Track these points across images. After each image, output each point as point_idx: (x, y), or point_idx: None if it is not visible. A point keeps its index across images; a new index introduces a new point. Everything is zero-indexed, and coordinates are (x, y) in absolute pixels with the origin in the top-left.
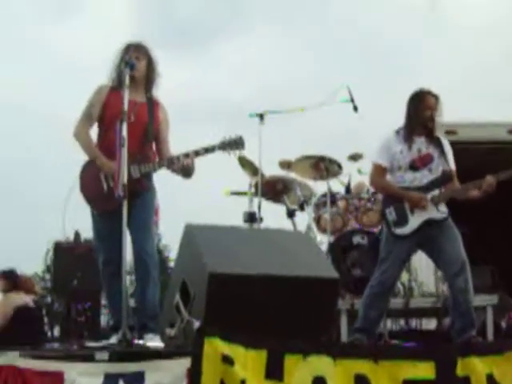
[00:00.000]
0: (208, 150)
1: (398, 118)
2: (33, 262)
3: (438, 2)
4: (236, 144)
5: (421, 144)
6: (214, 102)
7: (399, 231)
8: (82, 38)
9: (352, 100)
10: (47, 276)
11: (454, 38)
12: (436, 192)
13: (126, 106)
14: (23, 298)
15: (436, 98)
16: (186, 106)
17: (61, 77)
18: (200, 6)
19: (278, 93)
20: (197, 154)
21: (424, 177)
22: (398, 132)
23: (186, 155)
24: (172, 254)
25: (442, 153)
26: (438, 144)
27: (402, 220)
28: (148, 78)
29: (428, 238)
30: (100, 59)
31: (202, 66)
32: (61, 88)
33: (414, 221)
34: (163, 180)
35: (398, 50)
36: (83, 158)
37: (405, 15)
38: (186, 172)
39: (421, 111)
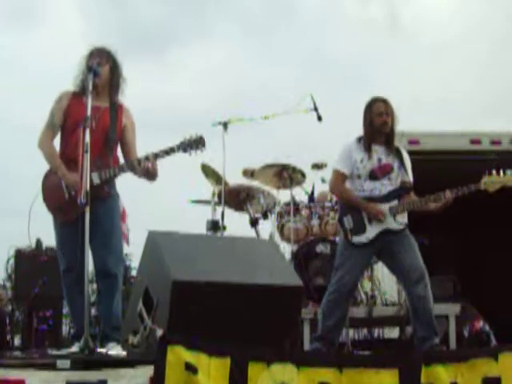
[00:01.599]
0: (168, 152)
1: (359, 129)
2: None
3: (397, 20)
4: (196, 144)
5: (381, 153)
6: (174, 110)
7: (356, 239)
8: (45, 49)
9: (316, 109)
10: (8, 284)
11: (411, 54)
12: (395, 202)
13: (88, 112)
14: None
15: (384, 101)
16: (146, 112)
17: (29, 88)
18: (157, 12)
19: (239, 100)
20: (157, 156)
21: (383, 186)
22: (359, 140)
23: (146, 158)
24: (134, 263)
25: (402, 164)
26: (397, 154)
27: (360, 229)
28: (112, 83)
29: (385, 247)
30: (62, 69)
31: (160, 72)
32: (26, 98)
33: (372, 230)
34: (126, 186)
35: (358, 64)
36: (48, 166)
37: (365, 32)
38: (149, 175)
39: (373, 118)
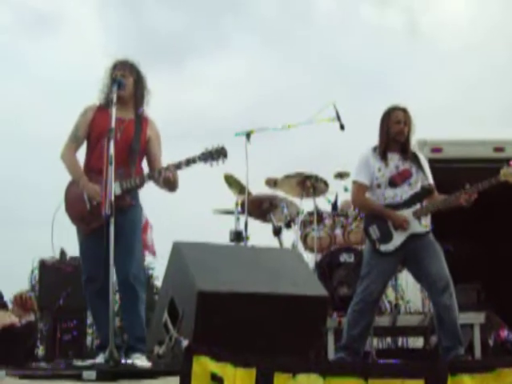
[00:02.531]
0: (189, 162)
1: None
2: (17, 281)
3: (417, 26)
4: (218, 154)
5: (397, 160)
6: (194, 121)
7: (383, 248)
8: (61, 57)
9: (339, 118)
10: (32, 295)
11: (430, 60)
12: (417, 206)
13: (113, 123)
14: (6, 317)
15: (403, 110)
16: (167, 123)
17: (41, 96)
18: (175, 23)
19: (261, 110)
20: (178, 166)
21: (404, 192)
22: (375, 149)
23: (167, 168)
24: (156, 271)
25: (420, 167)
26: (414, 159)
27: (386, 237)
28: (136, 96)
29: (411, 254)
30: (79, 78)
31: (178, 83)
32: (41, 107)
33: (398, 237)
34: (150, 197)
35: (377, 71)
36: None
37: (384, 39)
38: (170, 185)
39: (390, 126)
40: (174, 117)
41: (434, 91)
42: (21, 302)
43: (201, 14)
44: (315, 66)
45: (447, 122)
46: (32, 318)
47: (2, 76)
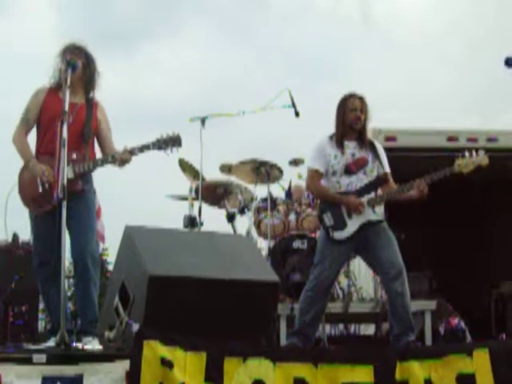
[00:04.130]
0: (143, 149)
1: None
2: None
3: (371, 15)
4: (172, 142)
5: (354, 148)
6: (148, 104)
7: (337, 235)
8: (12, 40)
9: (294, 105)
10: None
11: (384, 50)
12: (372, 195)
13: (66, 107)
14: None
15: (360, 98)
16: (119, 108)
17: None
18: (126, 8)
19: (213, 96)
20: (132, 152)
21: (359, 180)
22: (331, 137)
23: (122, 153)
24: (110, 258)
25: (376, 156)
26: (371, 147)
27: (340, 224)
28: (86, 79)
29: (364, 242)
30: (30, 61)
31: (132, 68)
32: None
33: (352, 224)
34: (103, 182)
35: (330, 60)
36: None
37: (337, 27)
38: (122, 165)
39: (346, 114)
40: (126, 101)
41: (388, 81)
42: None
43: (155, 1)
44: (269, 53)
45: (401, 112)
46: None
47: None
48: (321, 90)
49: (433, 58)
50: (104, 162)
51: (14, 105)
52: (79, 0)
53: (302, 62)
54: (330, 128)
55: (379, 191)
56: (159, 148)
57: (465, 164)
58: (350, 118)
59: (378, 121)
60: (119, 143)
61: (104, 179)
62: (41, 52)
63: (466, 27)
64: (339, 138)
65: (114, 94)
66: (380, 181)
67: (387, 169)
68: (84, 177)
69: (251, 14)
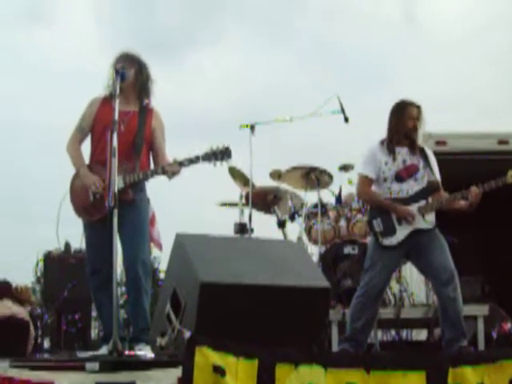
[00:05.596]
0: (192, 161)
1: (382, 129)
2: (23, 274)
3: (413, 14)
4: (222, 154)
5: (405, 155)
6: (194, 113)
7: (387, 242)
8: (55, 48)
9: (343, 110)
10: (37, 287)
11: (428, 51)
12: (423, 202)
13: (116, 116)
14: (10, 308)
15: (418, 108)
16: (167, 117)
17: (40, 87)
18: (169, 18)
19: (260, 101)
20: (181, 164)
21: (410, 187)
22: (382, 143)
23: (171, 165)
24: (162, 265)
25: (427, 163)
26: (422, 154)
27: (390, 231)
28: (139, 86)
29: (415, 247)
30: (74, 68)
31: (177, 77)
32: (41, 99)
33: (401, 231)
34: (155, 190)
35: (376, 62)
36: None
37: (379, 28)
38: (172, 177)
39: (403, 122)
40: (172, 109)
41: (431, 82)
42: (16, 293)
43: (196, 9)
44: (311, 56)
45: (445, 112)
46: (28, 309)
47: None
48: (366, 93)
49: (476, 55)
50: (154, 173)
51: (60, 116)
52: (122, 11)
53: (345, 65)
54: (379, 133)
55: (430, 199)
56: (209, 160)
57: None
58: (408, 127)
59: (426, 124)
60: (167, 151)
61: (154, 187)
62: (86, 64)
63: (508, 21)
64: (392, 144)
65: (161, 101)
66: (431, 188)
67: (438, 176)
68: (135, 186)
69: (290, 17)
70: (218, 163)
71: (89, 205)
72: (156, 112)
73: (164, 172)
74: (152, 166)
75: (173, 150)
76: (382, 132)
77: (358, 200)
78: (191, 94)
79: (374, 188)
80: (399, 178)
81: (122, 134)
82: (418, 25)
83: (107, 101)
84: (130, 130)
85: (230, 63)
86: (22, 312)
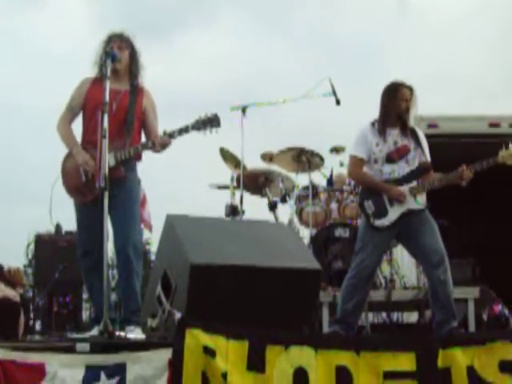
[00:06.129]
0: (182, 131)
1: (374, 111)
2: (13, 256)
3: (407, 1)
4: (211, 122)
5: (396, 136)
6: (184, 94)
7: (378, 223)
8: (48, 29)
9: (334, 93)
10: (28, 270)
11: (423, 32)
12: (414, 183)
13: (107, 97)
14: (3, 291)
15: (410, 89)
16: (156, 99)
17: (33, 68)
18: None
19: (249, 84)
20: (171, 135)
21: (401, 169)
22: (373, 124)
23: (161, 138)
24: (153, 247)
25: (418, 144)
26: (413, 135)
27: (381, 212)
28: (131, 69)
29: (406, 229)
30: (65, 51)
31: (167, 58)
32: (33, 79)
33: (393, 212)
34: (145, 170)
35: (368, 45)
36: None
37: (374, 13)
38: (162, 150)
39: (396, 103)
40: (161, 90)
41: (423, 65)
42: (9, 276)
43: None
44: (304, 40)
45: (438, 94)
46: (20, 291)
47: None
48: (358, 76)
49: (468, 37)
50: (144, 147)
51: (51, 97)
52: None
53: (339, 49)
54: (370, 115)
55: (421, 180)
56: (198, 129)
57: (509, 155)
58: (401, 108)
59: (418, 106)
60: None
61: (145, 168)
62: (76, 45)
63: (503, 4)
64: (383, 126)
65: (151, 82)
66: (422, 170)
67: (429, 157)
68: (127, 164)
69: (285, 4)
70: (208, 131)
71: (81, 185)
72: (147, 91)
73: (154, 145)
74: None
75: (162, 128)
76: (373, 114)
77: (350, 182)
78: (182, 75)
79: (365, 169)
80: (390, 159)
81: (113, 112)
82: (412, 9)
83: (98, 81)
84: (121, 108)
85: (223, 46)
86: (13, 294)
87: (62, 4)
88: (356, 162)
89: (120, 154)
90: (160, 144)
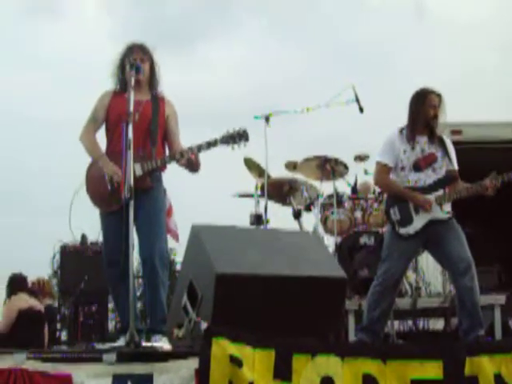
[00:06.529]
0: (211, 144)
1: (399, 118)
2: (38, 267)
3: (424, 7)
4: (239, 137)
5: (424, 144)
6: (210, 103)
7: (403, 231)
8: (68, 40)
9: (358, 100)
10: (54, 280)
11: (442, 39)
12: (440, 192)
13: (131, 107)
14: (27, 301)
15: (438, 95)
16: (182, 108)
17: (51, 80)
18: (182, 7)
19: (273, 92)
20: (199, 148)
21: (428, 177)
22: (401, 131)
23: (189, 150)
24: (178, 257)
25: (446, 152)
26: (440, 144)
27: (407, 220)
28: (151, 80)
29: (432, 237)
30: (85, 60)
31: (191, 66)
32: (51, 91)
33: (419, 221)
34: (171, 181)
35: (388, 53)
36: (88, 160)
37: (392, 20)
38: (192, 167)
39: (424, 110)
40: (183, 100)
41: (441, 69)
42: (38, 287)
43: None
44: (325, 50)
45: (457, 98)
46: (49, 302)
47: (10, 61)
48: (379, 84)
49: (483, 41)
50: (172, 158)
51: (70, 108)
52: (132, 2)
53: (358, 57)
54: (395, 122)
55: (448, 189)
56: (227, 143)
57: None
58: (430, 115)
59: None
60: (181, 139)
61: (170, 178)
62: (98, 55)
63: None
64: (411, 133)
65: (173, 92)
66: (449, 178)
67: (456, 166)
68: (153, 174)
69: (303, 12)
70: (236, 146)
71: (106, 194)
72: (168, 100)
73: (182, 157)
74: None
75: (186, 140)
76: (396, 122)
77: (374, 190)
78: (204, 84)
79: (391, 177)
80: (417, 167)
81: (136, 123)
82: (429, 14)
83: (118, 93)
84: (144, 119)
85: (245, 55)
86: (37, 305)
87: (80, 14)
88: (383, 169)
89: (147, 164)
90: (188, 159)
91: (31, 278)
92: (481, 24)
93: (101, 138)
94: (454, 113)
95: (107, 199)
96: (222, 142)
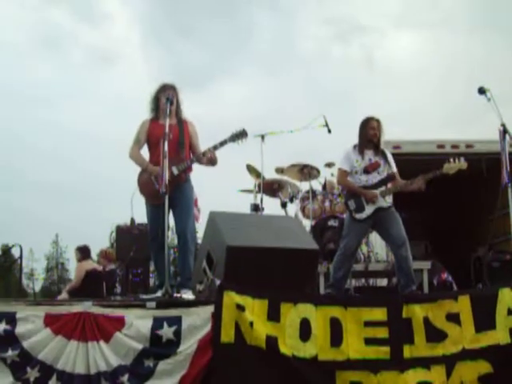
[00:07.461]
0: (223, 143)
1: (354, 138)
2: (99, 241)
3: (373, 58)
4: (241, 135)
5: (370, 155)
6: (219, 127)
7: (358, 216)
8: (119, 82)
9: (327, 125)
10: (111, 250)
11: (387, 83)
12: (383, 188)
13: (167, 129)
14: (92, 265)
15: (377, 121)
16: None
17: (111, 111)
18: (194, 59)
19: (266, 119)
20: (215, 147)
21: (374, 178)
22: (354, 147)
23: (208, 150)
24: (199, 234)
25: (386, 161)
26: (383, 155)
27: (360, 208)
28: (177, 110)
29: (378, 220)
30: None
31: (203, 102)
32: (109, 119)
33: (369, 209)
34: (196, 182)
35: (348, 92)
36: (137, 170)
37: (349, 68)
38: (212, 162)
39: (366, 132)
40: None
41: (389, 106)
42: (105, 255)
43: (217, 51)
44: (303, 89)
45: (398, 126)
46: (113, 266)
47: (82, 98)
48: (340, 113)
49: (417, 86)
50: (197, 158)
51: (121, 131)
52: (163, 54)
53: (328, 94)
54: (352, 140)
55: (388, 185)
56: (233, 141)
57: (451, 167)
58: (370, 135)
59: (387, 134)
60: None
61: (196, 181)
62: (139, 93)
63: (439, 60)
64: (361, 148)
65: (194, 116)
66: (389, 178)
67: (395, 169)
68: (186, 174)
69: (283, 61)
70: (240, 141)
71: (154, 192)
72: (190, 122)
73: (204, 156)
74: None
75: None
76: (352, 140)
77: (338, 187)
78: (216, 114)
79: (349, 178)
80: (366, 171)
81: (170, 140)
82: (377, 65)
83: (153, 120)
84: (175, 136)
85: (245, 92)
86: (98, 267)
87: (126, 61)
88: (343, 173)
89: (180, 165)
90: (208, 157)
91: (96, 249)
92: (419, 70)
93: (144, 154)
94: (397, 133)
95: (155, 194)
96: (230, 141)
